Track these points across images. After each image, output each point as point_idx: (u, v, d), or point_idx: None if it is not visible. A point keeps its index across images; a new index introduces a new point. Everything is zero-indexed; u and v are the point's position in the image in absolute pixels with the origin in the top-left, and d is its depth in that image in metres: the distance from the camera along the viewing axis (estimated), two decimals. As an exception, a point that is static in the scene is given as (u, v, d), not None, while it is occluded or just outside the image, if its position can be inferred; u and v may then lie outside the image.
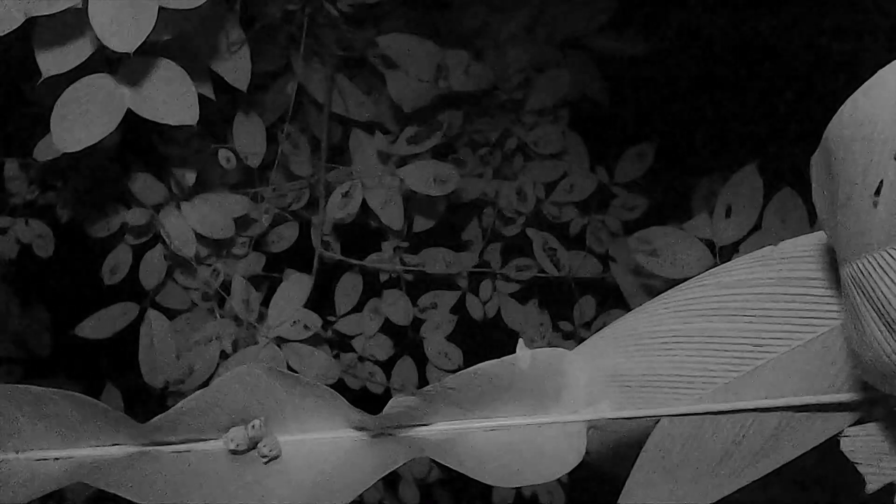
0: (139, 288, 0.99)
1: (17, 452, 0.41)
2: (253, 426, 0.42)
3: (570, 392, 0.44)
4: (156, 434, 0.42)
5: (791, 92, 1.50)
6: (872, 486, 0.45)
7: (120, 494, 0.40)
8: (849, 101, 0.31)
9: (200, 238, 0.93)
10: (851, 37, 1.43)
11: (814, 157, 0.35)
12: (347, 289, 1.04)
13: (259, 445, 0.42)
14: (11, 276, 1.18)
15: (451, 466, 0.43)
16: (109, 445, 0.42)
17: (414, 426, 0.44)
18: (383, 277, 1.06)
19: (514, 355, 0.44)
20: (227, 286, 0.96)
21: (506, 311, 1.09)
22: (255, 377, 0.42)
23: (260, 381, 0.42)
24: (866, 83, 0.31)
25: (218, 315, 1.00)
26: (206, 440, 0.42)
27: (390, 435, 0.44)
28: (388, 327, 1.05)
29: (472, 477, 0.43)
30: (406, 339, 1.07)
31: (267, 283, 1.02)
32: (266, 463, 0.42)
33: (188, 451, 0.42)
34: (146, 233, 0.98)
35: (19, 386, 0.41)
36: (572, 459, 0.43)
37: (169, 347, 0.97)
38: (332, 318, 1.03)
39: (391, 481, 1.11)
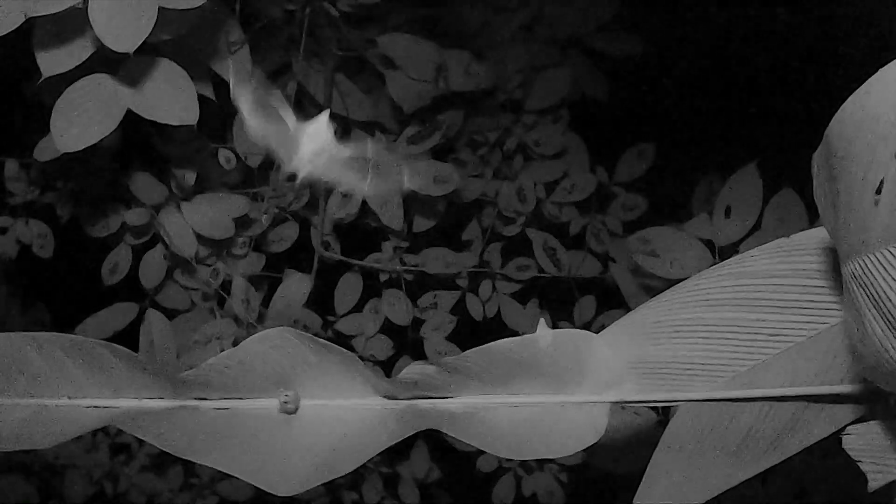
0: (139, 288, 0.99)
1: (69, 398, 0.43)
2: (288, 397, 0.43)
3: (593, 374, 0.45)
4: (191, 391, 0.43)
5: (791, 92, 1.50)
6: (874, 483, 0.45)
7: (153, 443, 0.43)
8: (850, 100, 0.31)
9: (200, 238, 0.93)
10: (852, 36, 1.43)
11: (815, 156, 0.35)
12: (347, 289, 1.04)
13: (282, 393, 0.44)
14: (11, 276, 1.18)
15: (466, 440, 0.44)
16: (156, 398, 0.43)
17: (436, 398, 0.45)
18: (383, 277, 1.06)
19: (534, 334, 0.44)
20: (227, 286, 0.96)
21: (506, 311, 1.09)
22: (286, 341, 0.44)
23: (290, 344, 0.44)
24: (867, 82, 0.31)
25: (218, 315, 1.00)
26: (243, 399, 0.44)
27: (413, 405, 0.44)
28: (388, 327, 1.05)
29: (485, 450, 0.44)
30: (406, 339, 1.07)
31: (267, 283, 1.02)
32: (283, 412, 0.44)
33: (226, 409, 0.44)
34: (146, 233, 0.98)
35: (73, 336, 0.43)
36: (590, 438, 0.44)
37: (169, 347, 0.96)
38: (332, 318, 1.03)
39: (391, 481, 1.11)
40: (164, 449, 0.42)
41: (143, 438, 0.43)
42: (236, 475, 0.42)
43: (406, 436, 0.44)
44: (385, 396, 0.44)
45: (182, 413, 0.43)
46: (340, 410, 0.44)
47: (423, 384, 0.44)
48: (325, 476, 0.43)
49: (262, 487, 0.42)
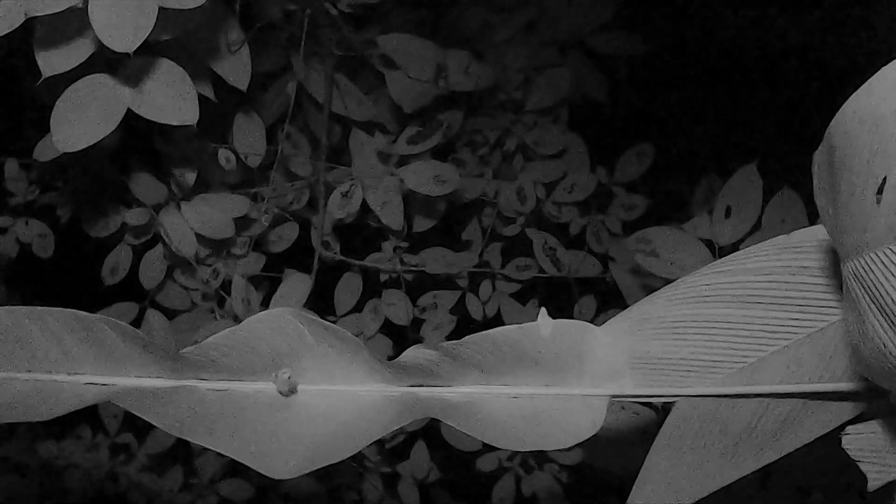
0: (139, 288, 0.99)
1: (68, 374, 0.43)
2: (289, 377, 0.43)
3: (593, 366, 0.45)
4: (192, 370, 0.43)
5: (791, 92, 1.50)
6: (874, 483, 0.45)
7: (151, 422, 0.42)
8: (852, 99, 0.31)
9: (200, 238, 0.93)
10: (853, 35, 1.43)
11: (816, 155, 0.35)
12: (347, 289, 1.04)
13: (279, 376, 0.44)
14: (11, 276, 1.18)
15: (464, 430, 0.44)
16: (154, 377, 0.43)
17: (436, 386, 0.45)
18: (383, 277, 1.06)
19: (535, 323, 0.44)
20: (227, 286, 0.96)
21: (506, 311, 1.09)
22: (286, 322, 0.43)
23: (291, 326, 0.43)
24: (869, 80, 0.31)
25: (218, 315, 1.00)
26: (242, 381, 0.44)
27: (412, 393, 0.44)
28: (388, 327, 1.05)
29: (483, 441, 0.44)
30: (406, 339, 1.07)
31: (267, 283, 1.02)
32: (279, 392, 0.44)
33: (225, 391, 0.44)
34: (146, 233, 0.98)
35: (75, 311, 0.43)
36: (588, 431, 0.44)
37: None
38: (332, 318, 1.03)
39: (391, 481, 1.11)
40: (161, 427, 0.42)
41: (140, 416, 0.42)
42: (232, 457, 0.43)
43: (405, 423, 0.44)
44: (385, 382, 0.44)
45: (180, 393, 0.43)
46: (339, 396, 0.44)
47: (424, 371, 0.44)
48: (321, 461, 0.43)
49: (259, 470, 0.42)
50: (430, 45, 0.98)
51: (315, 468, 0.43)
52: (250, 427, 0.43)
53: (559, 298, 1.11)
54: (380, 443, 1.09)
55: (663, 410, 0.77)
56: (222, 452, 0.43)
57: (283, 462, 0.43)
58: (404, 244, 1.06)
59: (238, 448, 0.43)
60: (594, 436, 0.44)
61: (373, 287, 1.06)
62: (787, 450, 0.46)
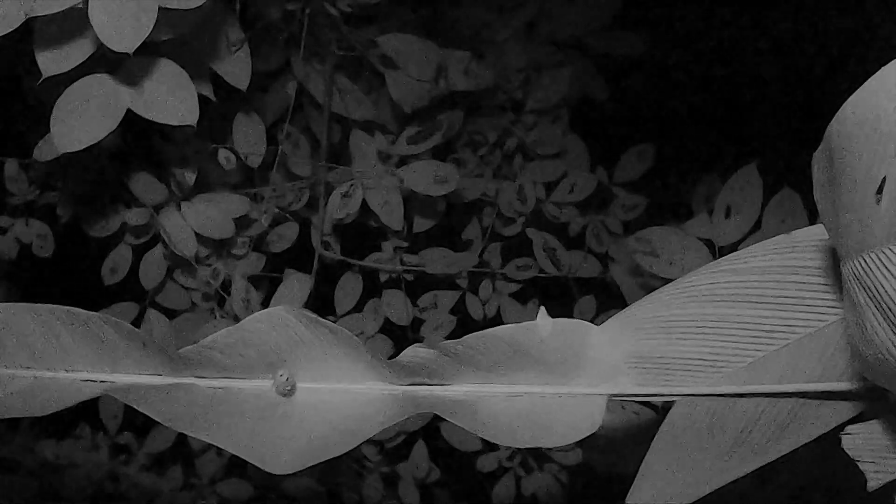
0: (139, 288, 0.99)
1: (66, 371, 0.44)
2: (287, 378, 0.43)
3: (592, 365, 0.45)
4: (190, 368, 0.44)
5: (791, 92, 1.50)
6: (873, 483, 0.45)
7: (150, 416, 0.43)
8: (851, 99, 0.31)
9: (200, 238, 0.93)
10: (852, 35, 1.43)
11: (815, 155, 0.35)
12: (347, 289, 1.04)
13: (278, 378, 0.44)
14: (11, 276, 1.18)
15: (463, 426, 0.44)
16: (153, 374, 0.44)
17: (435, 385, 0.45)
18: (383, 277, 1.06)
19: (534, 322, 0.44)
20: (227, 286, 0.96)
21: (506, 311, 1.09)
22: (286, 321, 0.44)
23: (290, 325, 0.44)
24: (869, 80, 0.31)
25: (218, 315, 1.00)
26: (241, 379, 0.44)
27: (411, 391, 0.45)
28: (388, 327, 1.05)
29: (482, 437, 0.44)
30: (406, 339, 1.07)
31: (267, 283, 1.02)
32: (278, 393, 0.44)
33: (223, 388, 0.44)
34: (146, 233, 0.98)
35: (73, 309, 0.44)
36: (587, 429, 0.45)
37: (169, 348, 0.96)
38: (332, 318, 1.03)
39: (391, 481, 1.11)
40: (160, 421, 0.43)
41: (139, 410, 0.43)
42: (231, 451, 0.43)
43: (403, 419, 0.44)
44: (384, 381, 0.44)
45: (179, 390, 0.44)
46: (338, 394, 0.44)
47: (422, 370, 0.44)
48: (320, 457, 0.43)
49: (257, 464, 0.43)
50: (430, 45, 0.98)
51: (314, 463, 0.43)
52: (249, 423, 0.43)
53: (559, 298, 1.11)
54: (380, 443, 1.09)
55: (663, 410, 0.77)
56: (220, 447, 0.43)
57: (281, 457, 0.43)
58: (404, 244, 1.06)
59: (236, 443, 0.43)
60: (594, 435, 0.45)
61: (373, 287, 1.06)
62: (787, 450, 0.46)
